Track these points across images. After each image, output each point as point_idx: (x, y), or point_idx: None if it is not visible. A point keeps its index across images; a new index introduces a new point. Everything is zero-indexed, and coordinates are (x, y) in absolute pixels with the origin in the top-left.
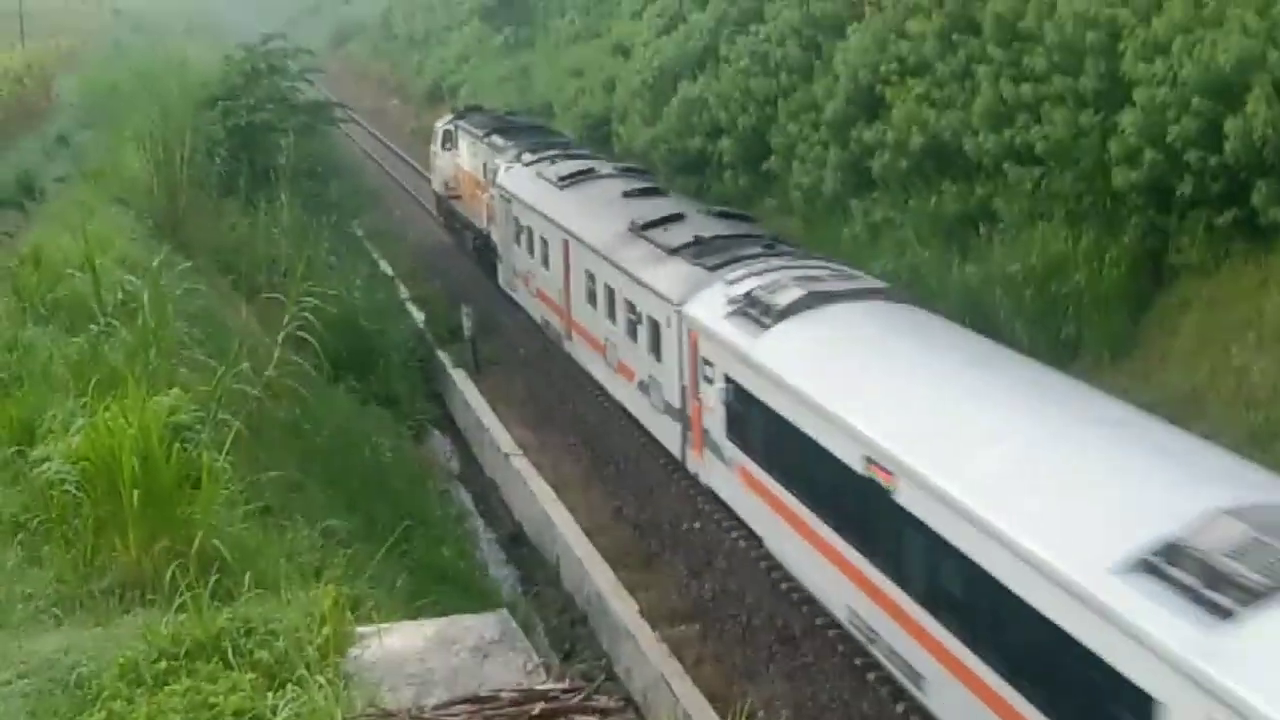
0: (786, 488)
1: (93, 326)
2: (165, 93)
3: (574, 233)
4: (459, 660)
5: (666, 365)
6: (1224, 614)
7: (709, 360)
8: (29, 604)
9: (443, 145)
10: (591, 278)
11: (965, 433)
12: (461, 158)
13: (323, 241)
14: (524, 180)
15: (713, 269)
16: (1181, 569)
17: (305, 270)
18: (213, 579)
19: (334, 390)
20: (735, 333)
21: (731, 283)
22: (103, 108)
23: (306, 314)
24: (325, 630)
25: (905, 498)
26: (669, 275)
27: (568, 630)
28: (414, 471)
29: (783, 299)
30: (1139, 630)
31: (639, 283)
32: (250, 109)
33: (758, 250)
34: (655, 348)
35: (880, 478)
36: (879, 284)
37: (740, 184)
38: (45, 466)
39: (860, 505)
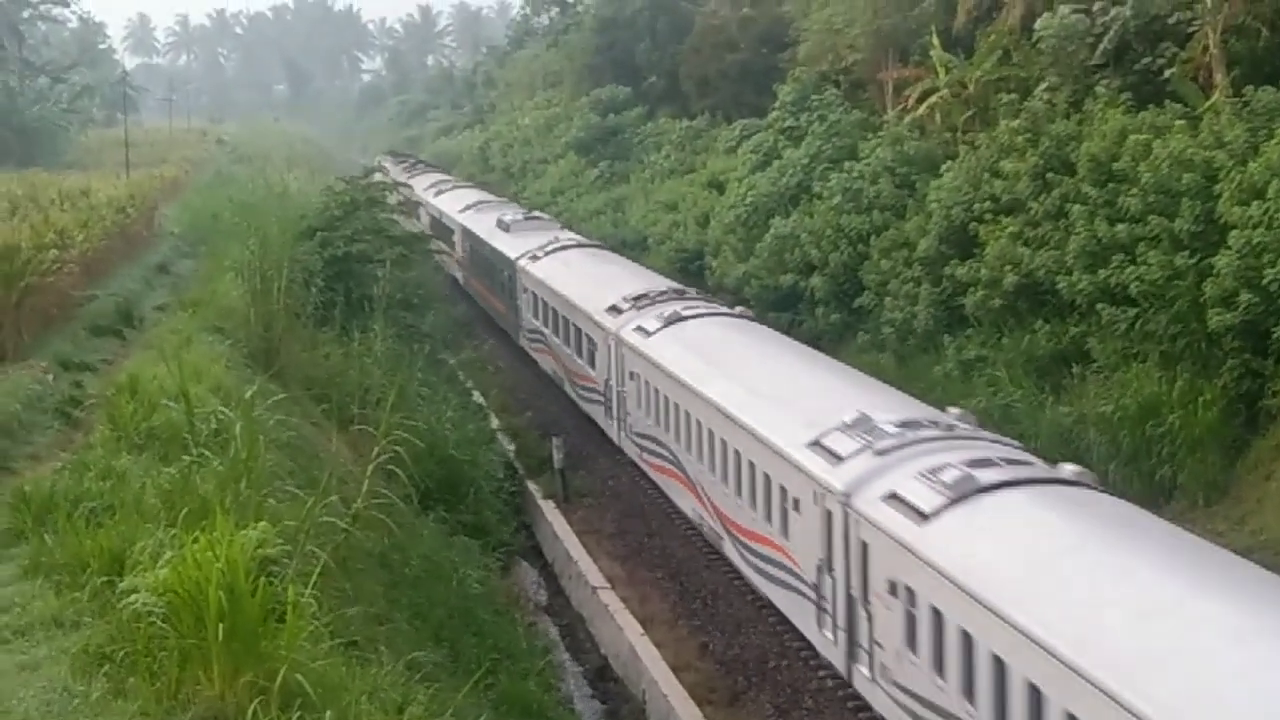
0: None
1: (185, 456)
2: (264, 223)
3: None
4: None
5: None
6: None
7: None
8: None
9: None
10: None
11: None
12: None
13: (415, 371)
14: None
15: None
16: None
17: (397, 400)
18: (295, 716)
19: (422, 521)
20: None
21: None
22: (203, 237)
23: (396, 445)
24: None
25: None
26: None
27: None
28: (501, 603)
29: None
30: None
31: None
32: (348, 240)
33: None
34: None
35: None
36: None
37: (832, 320)
38: (133, 598)
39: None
